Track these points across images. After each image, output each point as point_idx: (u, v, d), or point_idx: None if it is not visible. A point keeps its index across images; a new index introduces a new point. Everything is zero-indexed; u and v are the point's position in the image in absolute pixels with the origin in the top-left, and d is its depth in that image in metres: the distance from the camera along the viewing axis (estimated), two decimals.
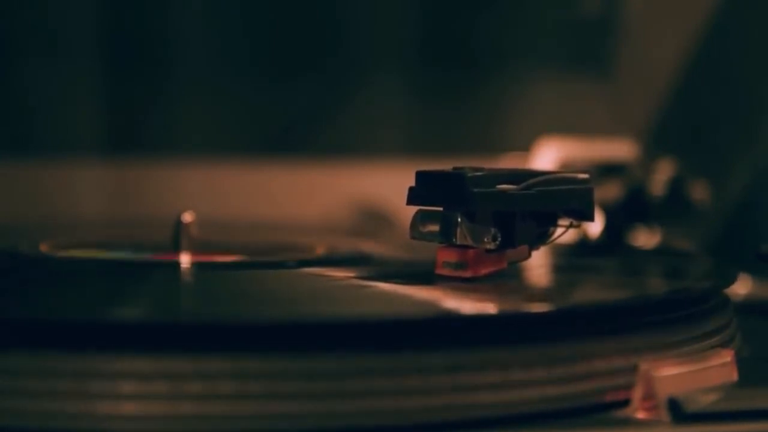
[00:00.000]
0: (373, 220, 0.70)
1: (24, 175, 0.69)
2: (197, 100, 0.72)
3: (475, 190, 0.37)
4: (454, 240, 0.38)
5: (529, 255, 0.40)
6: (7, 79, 0.70)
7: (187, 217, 0.45)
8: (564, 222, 0.40)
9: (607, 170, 0.58)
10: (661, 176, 0.58)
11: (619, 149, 0.60)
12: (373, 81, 0.73)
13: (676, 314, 0.36)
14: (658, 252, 0.55)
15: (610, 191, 0.57)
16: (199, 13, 0.72)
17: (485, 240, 0.38)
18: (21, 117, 0.70)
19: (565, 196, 0.39)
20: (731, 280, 0.41)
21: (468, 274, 0.38)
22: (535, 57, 0.75)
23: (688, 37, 0.71)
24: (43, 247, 0.48)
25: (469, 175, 0.37)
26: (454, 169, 0.38)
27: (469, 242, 0.38)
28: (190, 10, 0.71)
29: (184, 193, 0.70)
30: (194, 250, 0.45)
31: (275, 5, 0.73)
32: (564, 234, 0.40)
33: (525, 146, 0.65)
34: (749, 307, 0.48)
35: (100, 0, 0.70)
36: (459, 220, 0.37)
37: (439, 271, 0.38)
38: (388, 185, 0.62)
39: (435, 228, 0.38)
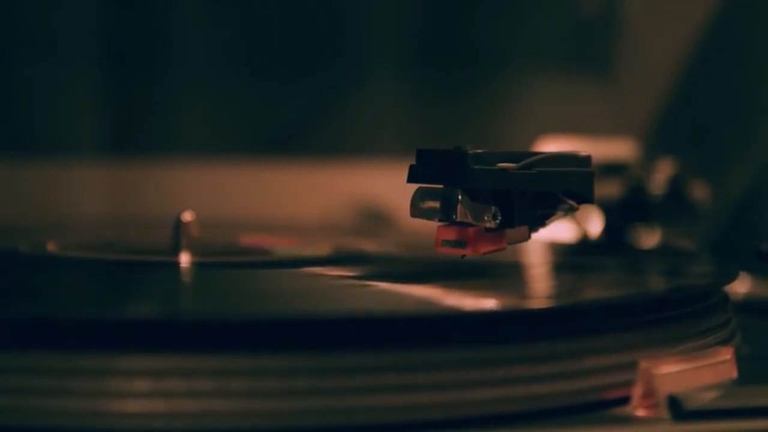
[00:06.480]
0: (373, 219, 0.70)
1: (24, 175, 0.69)
2: (197, 100, 0.72)
3: (476, 167, 0.37)
4: (454, 217, 0.37)
5: (529, 236, 0.40)
6: (7, 79, 0.70)
7: (187, 217, 0.45)
8: (564, 204, 0.40)
9: (607, 170, 0.58)
10: (661, 176, 0.58)
11: (619, 149, 0.60)
12: (372, 81, 0.73)
13: (676, 312, 0.36)
14: (658, 251, 0.55)
15: (610, 191, 0.57)
16: (199, 14, 0.72)
17: (485, 218, 0.38)
18: (21, 117, 0.70)
19: (565, 176, 0.39)
20: (731, 278, 0.41)
21: (467, 252, 0.38)
22: (536, 57, 0.75)
23: (688, 37, 0.71)
24: (43, 247, 0.48)
25: (470, 152, 0.37)
26: (455, 146, 0.38)
27: (469, 220, 0.37)
28: (189, 10, 0.72)
29: (184, 193, 0.70)
30: (194, 249, 0.45)
31: (274, 5, 0.73)
32: (564, 216, 0.40)
33: (525, 146, 0.65)
34: (749, 306, 0.48)
35: (100, 0, 0.70)
36: (459, 197, 0.37)
37: (439, 249, 0.38)
38: (388, 185, 0.62)
39: (435, 205, 0.38)
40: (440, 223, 0.38)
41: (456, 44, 0.75)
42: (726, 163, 0.68)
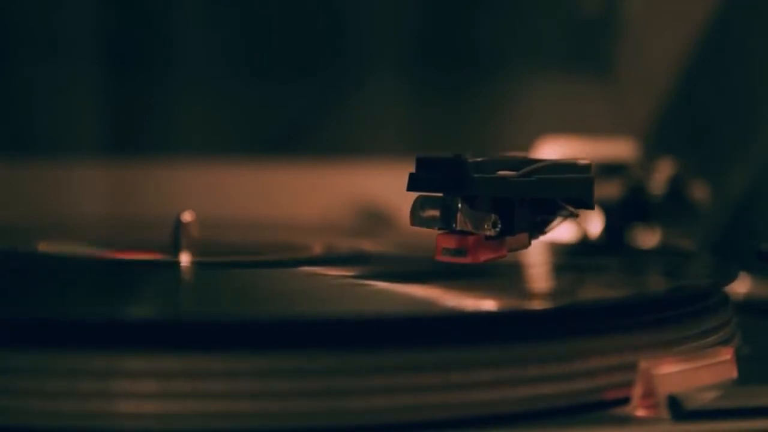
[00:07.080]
0: (373, 219, 0.70)
1: (24, 175, 0.69)
2: (197, 100, 0.72)
3: (476, 175, 0.37)
4: (454, 225, 0.37)
5: (529, 243, 0.40)
6: (7, 79, 0.70)
7: (187, 217, 0.45)
8: (564, 211, 0.40)
9: (608, 170, 0.58)
10: (661, 176, 0.58)
11: (620, 148, 0.60)
12: (372, 81, 0.73)
13: (676, 312, 0.36)
14: (658, 251, 0.55)
15: (610, 191, 0.57)
16: (199, 14, 0.72)
17: (485, 226, 0.38)
18: (21, 117, 0.70)
19: (565, 183, 0.39)
20: (731, 278, 0.41)
21: (467, 260, 0.38)
22: (536, 57, 0.75)
23: (688, 37, 0.71)
24: (43, 247, 0.48)
25: (470, 160, 0.37)
26: (455, 154, 0.38)
27: (469, 228, 0.37)
28: (189, 10, 0.72)
29: (184, 193, 0.70)
30: (194, 249, 0.45)
31: (274, 5, 0.73)
32: (564, 223, 0.40)
33: (525, 146, 0.65)
34: (749, 306, 0.48)
35: (100, 0, 0.70)
36: (459, 205, 0.37)
37: (439, 257, 0.38)
38: (388, 185, 0.62)
39: (435, 213, 0.38)
40: (440, 231, 0.38)
41: (456, 44, 0.75)
42: (726, 163, 0.68)
